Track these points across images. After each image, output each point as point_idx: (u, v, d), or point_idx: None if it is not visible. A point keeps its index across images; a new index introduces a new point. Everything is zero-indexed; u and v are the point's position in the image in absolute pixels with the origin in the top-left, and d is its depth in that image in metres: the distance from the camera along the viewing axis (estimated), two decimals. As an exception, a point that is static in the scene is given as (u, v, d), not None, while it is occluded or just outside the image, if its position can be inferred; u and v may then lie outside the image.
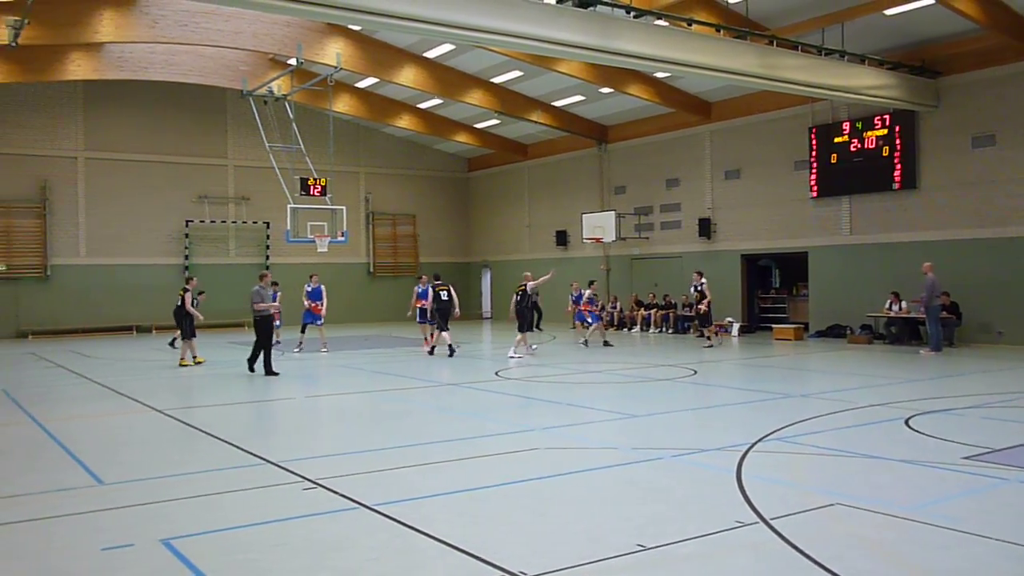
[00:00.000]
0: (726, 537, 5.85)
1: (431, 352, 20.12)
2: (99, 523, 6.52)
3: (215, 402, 13.50)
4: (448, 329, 20.21)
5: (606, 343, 22.37)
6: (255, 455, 8.83)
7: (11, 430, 10.95)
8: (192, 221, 31.70)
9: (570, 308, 24.38)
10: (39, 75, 26.03)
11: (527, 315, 20.09)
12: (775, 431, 9.65)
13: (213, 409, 12.78)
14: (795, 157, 24.74)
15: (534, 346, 20.93)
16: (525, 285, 20.13)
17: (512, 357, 18.76)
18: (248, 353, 16.90)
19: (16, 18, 18.37)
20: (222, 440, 9.79)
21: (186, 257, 31.46)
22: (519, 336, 19.59)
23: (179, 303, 18.70)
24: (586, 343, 22.19)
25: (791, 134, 24.85)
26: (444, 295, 20.13)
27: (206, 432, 10.36)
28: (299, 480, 7.66)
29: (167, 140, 31.56)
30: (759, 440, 9.11)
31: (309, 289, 21.48)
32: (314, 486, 7.42)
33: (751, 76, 17.96)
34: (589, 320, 22.80)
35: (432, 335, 20.77)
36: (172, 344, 22.77)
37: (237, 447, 9.32)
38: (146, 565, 5.49)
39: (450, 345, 19.85)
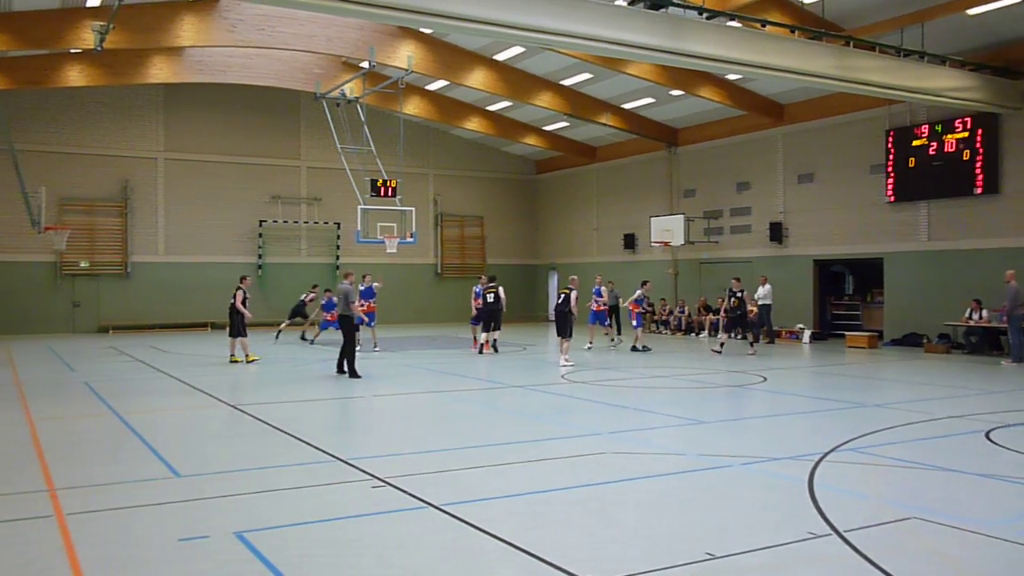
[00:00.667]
0: (798, 548, 5.74)
1: (480, 351, 20.60)
2: (176, 514, 6.70)
3: (286, 399, 13.75)
4: (499, 329, 21.11)
5: (641, 347, 21.82)
6: (325, 452, 8.97)
7: (93, 421, 11.34)
8: (265, 221, 32.38)
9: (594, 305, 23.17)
10: (123, 78, 26.89)
11: (568, 319, 18.73)
12: (848, 441, 9.44)
13: (284, 406, 13.02)
14: (871, 161, 24.15)
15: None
16: (570, 290, 18.97)
17: (564, 364, 18.05)
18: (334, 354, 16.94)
19: (102, 23, 18.97)
20: (293, 436, 9.97)
21: (259, 256, 32.15)
22: (565, 343, 18.57)
23: (232, 300, 18.91)
24: (644, 347, 21.83)
25: (867, 137, 24.26)
26: (491, 297, 20.71)
27: (277, 428, 10.56)
28: (368, 478, 7.76)
29: (242, 141, 32.31)
30: (831, 450, 8.91)
31: (362, 288, 21.54)
32: (383, 484, 7.51)
33: (826, 78, 17.60)
34: (634, 323, 22.47)
35: (483, 337, 21.21)
36: (303, 338, 24.21)
37: (307, 443, 9.48)
38: (220, 557, 5.62)
39: (494, 343, 20.83)
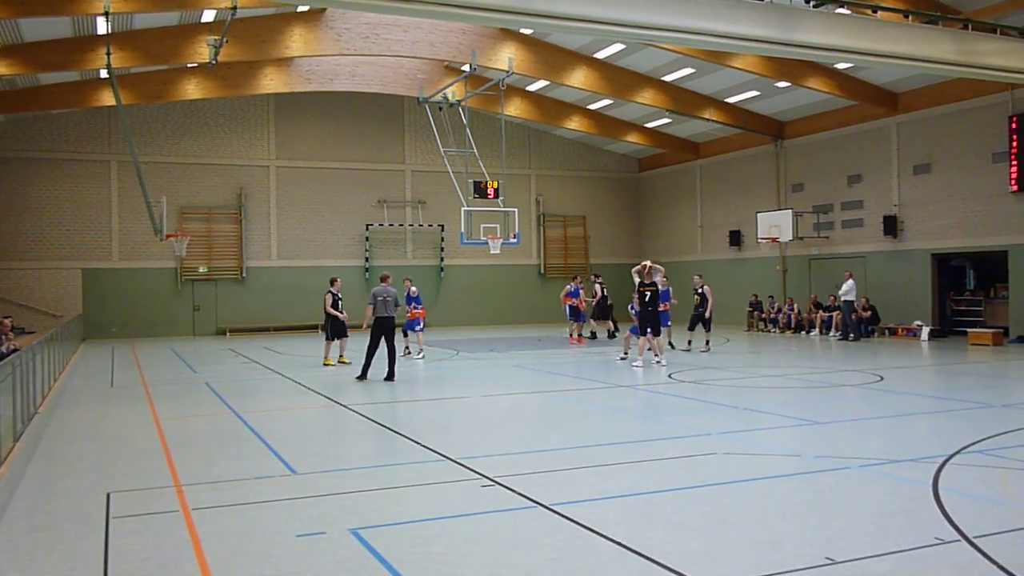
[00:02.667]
0: (924, 555, 5.50)
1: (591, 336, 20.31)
2: (294, 511, 6.90)
3: (395, 399, 14.01)
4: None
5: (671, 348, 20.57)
6: (435, 451, 9.08)
7: (214, 420, 11.80)
8: (372, 225, 33.07)
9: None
10: (236, 90, 27.94)
11: (657, 316, 17.77)
12: (975, 443, 8.99)
13: (393, 406, 13.28)
14: (993, 148, 22.98)
15: (635, 361, 18.06)
16: (656, 285, 17.70)
17: (661, 363, 17.44)
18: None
19: (216, 37, 19.74)
20: (403, 436, 10.14)
21: (367, 259, 32.87)
22: (657, 340, 17.72)
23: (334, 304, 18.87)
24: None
25: (988, 124, 23.10)
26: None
27: (388, 428, 10.77)
28: (478, 477, 7.82)
29: (349, 147, 33.09)
30: (957, 452, 8.51)
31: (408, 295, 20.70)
32: (492, 484, 7.55)
33: (944, 63, 16.78)
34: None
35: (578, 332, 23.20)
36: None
37: (417, 443, 9.62)
38: (337, 553, 5.76)
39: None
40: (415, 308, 20.40)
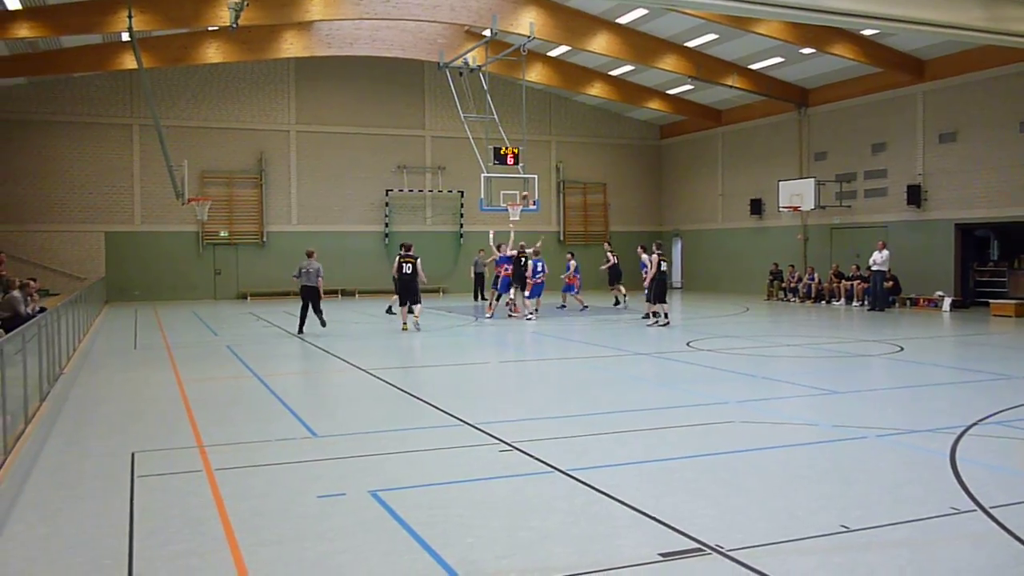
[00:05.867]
0: (940, 524, 5.53)
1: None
2: (315, 472, 7.01)
3: (414, 364, 14.12)
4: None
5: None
6: (453, 416, 9.17)
7: (236, 383, 11.94)
8: (392, 190, 33.07)
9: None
10: (257, 54, 27.89)
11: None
12: (994, 414, 8.97)
13: (413, 370, 13.38)
14: (1020, 117, 22.62)
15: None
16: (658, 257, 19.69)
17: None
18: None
19: (237, 1, 19.66)
20: (422, 400, 10.24)
21: (386, 225, 32.91)
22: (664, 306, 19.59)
23: (407, 270, 18.72)
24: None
25: (1016, 92, 22.72)
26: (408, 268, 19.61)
27: (407, 392, 10.86)
28: (496, 442, 7.89)
29: (369, 113, 33.02)
30: (975, 423, 8.50)
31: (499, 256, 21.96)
32: (510, 448, 7.63)
33: (973, 30, 16.48)
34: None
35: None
36: (389, 311, 22.99)
37: (436, 407, 9.71)
38: (357, 514, 5.86)
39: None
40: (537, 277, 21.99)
